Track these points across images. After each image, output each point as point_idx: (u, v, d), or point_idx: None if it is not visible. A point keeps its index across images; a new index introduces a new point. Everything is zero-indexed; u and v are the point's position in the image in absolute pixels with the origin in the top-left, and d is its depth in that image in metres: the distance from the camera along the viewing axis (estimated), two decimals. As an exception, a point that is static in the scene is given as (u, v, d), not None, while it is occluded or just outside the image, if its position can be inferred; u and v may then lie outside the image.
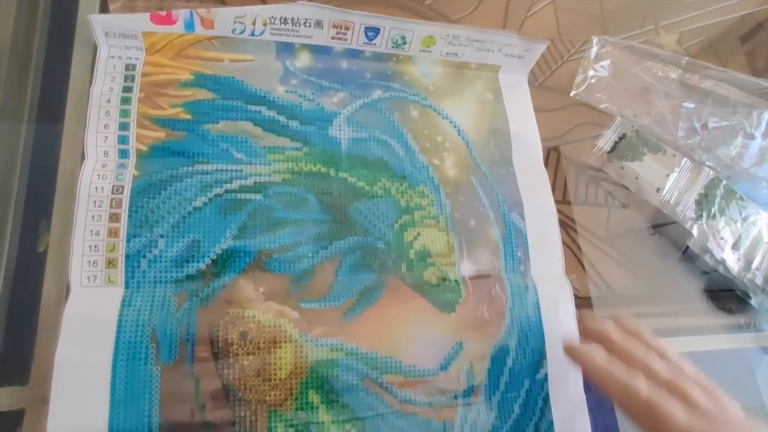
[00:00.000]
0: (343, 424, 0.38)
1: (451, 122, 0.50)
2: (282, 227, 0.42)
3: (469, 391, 0.41)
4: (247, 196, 0.42)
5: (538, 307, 0.45)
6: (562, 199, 0.52)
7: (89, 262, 0.37)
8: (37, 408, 0.36)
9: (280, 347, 0.38)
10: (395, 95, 0.49)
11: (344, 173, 0.45)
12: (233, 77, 0.45)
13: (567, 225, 0.51)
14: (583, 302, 0.48)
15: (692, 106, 0.56)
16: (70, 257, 0.37)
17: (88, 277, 0.37)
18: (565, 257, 0.47)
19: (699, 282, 0.52)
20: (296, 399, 0.38)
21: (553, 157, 0.53)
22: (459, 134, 0.50)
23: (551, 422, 0.42)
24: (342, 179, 0.45)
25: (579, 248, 0.50)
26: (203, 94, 0.44)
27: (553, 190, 0.51)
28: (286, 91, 0.46)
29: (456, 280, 0.44)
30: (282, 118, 0.45)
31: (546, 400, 0.43)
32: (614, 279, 0.50)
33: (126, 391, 0.35)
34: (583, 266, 0.50)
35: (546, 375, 0.43)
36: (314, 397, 0.38)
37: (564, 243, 0.48)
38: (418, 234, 0.45)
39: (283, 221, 0.42)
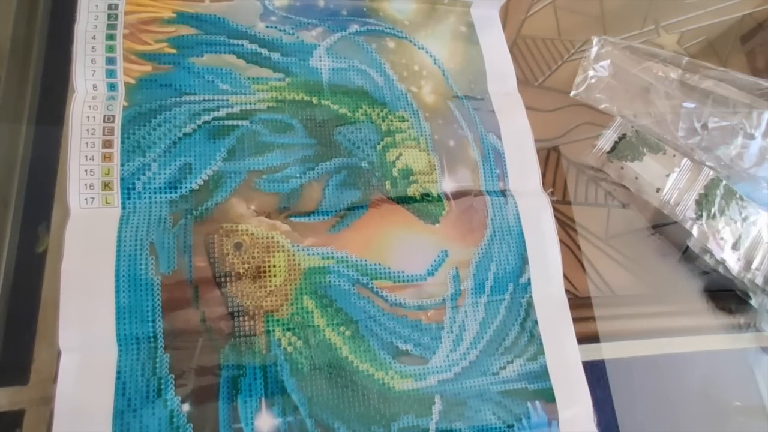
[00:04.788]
0: (337, 327, 0.41)
1: (426, 52, 0.52)
2: (269, 150, 0.44)
3: (456, 295, 0.44)
4: (235, 122, 0.44)
5: (519, 218, 0.47)
6: (562, 199, 0.52)
7: (86, 185, 0.39)
8: (37, 408, 0.36)
9: (273, 256, 0.41)
10: (371, 29, 0.51)
11: (326, 101, 0.47)
12: (215, 15, 0.47)
13: (567, 225, 0.51)
14: (583, 302, 0.48)
15: (692, 106, 0.56)
16: (68, 182, 0.39)
17: (86, 199, 0.39)
18: (565, 257, 0.47)
19: (699, 282, 0.52)
20: (291, 304, 0.40)
21: (553, 157, 0.54)
22: (435, 63, 0.52)
23: (535, 321, 0.45)
24: (325, 106, 0.47)
25: (579, 248, 0.50)
26: (186, 30, 0.46)
27: (553, 190, 0.51)
28: (267, 27, 0.48)
29: (438, 195, 0.46)
30: (264, 51, 0.47)
31: (530, 302, 0.45)
32: (614, 279, 0.50)
33: (130, 299, 0.37)
34: (583, 266, 0.50)
35: (529, 279, 0.46)
36: (308, 302, 0.41)
37: (564, 243, 0.48)
38: (400, 154, 0.47)
39: (270, 145, 0.44)
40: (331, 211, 0.43)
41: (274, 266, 0.40)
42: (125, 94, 0.42)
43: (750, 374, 0.50)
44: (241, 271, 0.40)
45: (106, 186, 0.39)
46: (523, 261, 0.46)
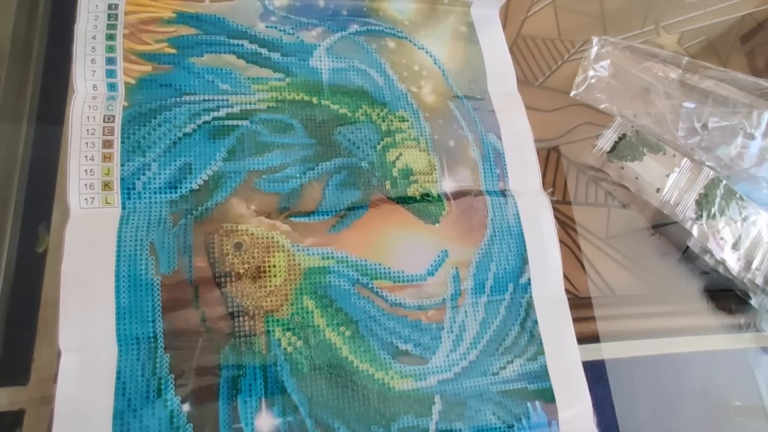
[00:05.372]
0: (337, 327, 0.41)
1: (426, 52, 0.52)
2: (269, 150, 0.44)
3: (456, 295, 0.44)
4: (235, 122, 0.44)
5: (519, 218, 0.47)
6: (562, 199, 0.52)
7: (86, 185, 0.39)
8: (37, 408, 0.36)
9: (273, 256, 0.41)
10: (371, 29, 0.51)
11: (326, 101, 0.47)
12: (215, 15, 0.47)
13: (567, 225, 0.51)
14: (583, 302, 0.48)
15: (692, 106, 0.56)
16: (68, 182, 0.39)
17: (86, 199, 0.39)
18: (565, 257, 0.47)
19: (699, 282, 0.52)
20: (291, 304, 0.40)
21: (553, 157, 0.54)
22: (435, 63, 0.52)
23: (535, 321, 0.45)
24: (325, 106, 0.47)
25: (579, 248, 0.50)
26: (186, 30, 0.46)
27: (553, 190, 0.51)
28: (267, 27, 0.48)
29: (438, 195, 0.46)
30: (264, 51, 0.47)
31: (530, 302, 0.45)
32: (614, 279, 0.50)
33: (130, 300, 0.37)
34: (583, 266, 0.50)
35: (529, 279, 0.46)
36: (308, 302, 0.41)
37: (564, 243, 0.49)
38: (400, 154, 0.47)
39: (270, 145, 0.44)
40: (331, 211, 0.43)
41: (274, 266, 0.40)
42: (125, 94, 0.42)
43: (750, 374, 0.50)
44: (241, 271, 0.40)
45: (106, 186, 0.39)
46: (523, 261, 0.46)
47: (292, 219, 0.42)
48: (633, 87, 0.57)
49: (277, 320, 0.39)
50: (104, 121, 0.41)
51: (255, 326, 0.39)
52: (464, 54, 0.53)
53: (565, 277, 0.46)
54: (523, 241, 0.46)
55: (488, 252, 0.45)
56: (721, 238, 0.50)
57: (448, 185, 0.47)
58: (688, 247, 0.51)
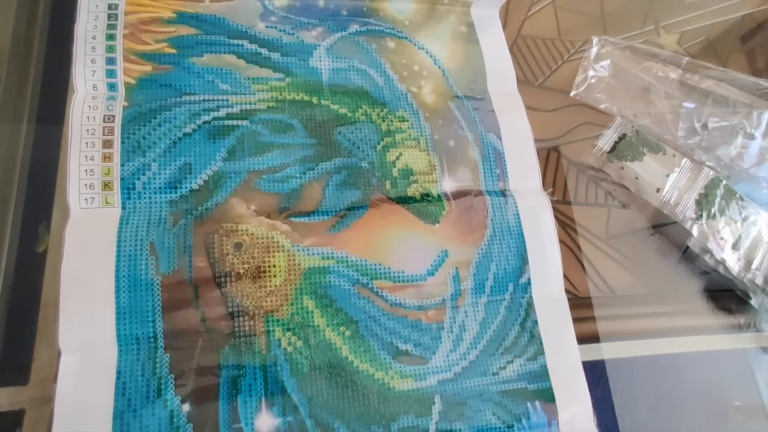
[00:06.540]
0: (337, 327, 0.40)
1: (426, 52, 0.52)
2: (269, 150, 0.44)
3: (456, 295, 0.44)
4: (235, 122, 0.44)
5: (518, 218, 0.47)
6: (562, 199, 0.52)
7: (86, 185, 0.39)
8: (37, 408, 0.36)
9: (273, 256, 0.41)
10: (371, 29, 0.51)
11: (326, 101, 0.47)
12: (215, 15, 0.47)
13: (567, 225, 0.51)
14: (583, 302, 0.48)
15: (692, 106, 0.56)
16: (68, 182, 0.39)
17: (86, 199, 0.39)
18: (565, 257, 0.47)
19: (699, 282, 0.52)
20: (291, 304, 0.40)
21: (553, 157, 0.54)
22: (435, 63, 0.52)
23: (535, 321, 0.44)
24: (325, 106, 0.47)
25: (579, 248, 0.50)
26: (186, 30, 0.46)
27: (553, 190, 0.51)
28: (267, 27, 0.48)
29: (438, 195, 0.46)
30: (264, 51, 0.47)
31: (530, 302, 0.45)
32: (614, 279, 0.50)
33: (130, 300, 0.37)
34: (583, 266, 0.50)
35: (529, 279, 0.46)
36: (308, 302, 0.41)
37: (564, 243, 0.49)
38: (400, 154, 0.47)
39: (270, 145, 0.44)
40: (331, 211, 0.43)
41: (274, 266, 0.40)
42: (125, 94, 0.42)
43: (750, 374, 0.50)
44: (241, 271, 0.40)
45: (106, 186, 0.39)
46: (523, 261, 0.46)
47: (292, 219, 0.42)
48: (633, 87, 0.57)
49: (277, 320, 0.39)
50: (104, 121, 0.41)
51: (255, 326, 0.39)
52: (464, 54, 0.53)
53: (565, 277, 0.46)
54: (523, 241, 0.46)
55: (488, 252, 0.45)
56: (721, 238, 0.50)
57: (448, 185, 0.47)
58: (688, 247, 0.51)
